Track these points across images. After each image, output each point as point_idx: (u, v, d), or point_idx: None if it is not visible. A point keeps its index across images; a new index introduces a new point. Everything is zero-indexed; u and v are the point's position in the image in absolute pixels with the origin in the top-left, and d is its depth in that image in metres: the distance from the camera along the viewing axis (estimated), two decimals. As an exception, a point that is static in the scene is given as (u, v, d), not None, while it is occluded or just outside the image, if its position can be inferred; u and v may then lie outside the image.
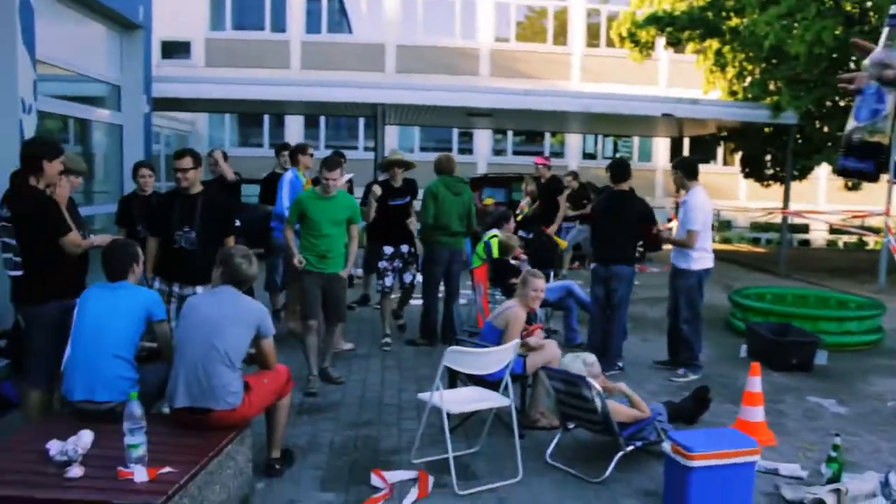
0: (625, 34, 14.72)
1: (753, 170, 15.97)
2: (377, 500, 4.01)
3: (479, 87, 14.77)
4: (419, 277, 7.54)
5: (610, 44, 19.73)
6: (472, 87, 14.73)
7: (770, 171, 15.53)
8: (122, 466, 3.24)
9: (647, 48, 14.92)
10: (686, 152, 20.65)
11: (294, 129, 20.95)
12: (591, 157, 22.61)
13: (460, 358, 4.36)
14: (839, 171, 1.47)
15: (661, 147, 22.01)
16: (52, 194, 4.47)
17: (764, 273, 13.56)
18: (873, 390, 6.47)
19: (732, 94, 15.28)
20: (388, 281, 7.31)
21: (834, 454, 4.34)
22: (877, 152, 1.35)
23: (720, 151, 21.60)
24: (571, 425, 4.76)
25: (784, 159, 13.83)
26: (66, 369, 3.93)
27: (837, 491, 4.02)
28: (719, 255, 15.82)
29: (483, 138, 22.03)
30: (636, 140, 22.43)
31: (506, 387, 4.49)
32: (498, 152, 22.46)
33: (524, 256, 8.08)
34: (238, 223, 6.14)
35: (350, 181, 8.51)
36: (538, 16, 22.38)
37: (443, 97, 12.72)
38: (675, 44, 14.61)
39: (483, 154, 22.04)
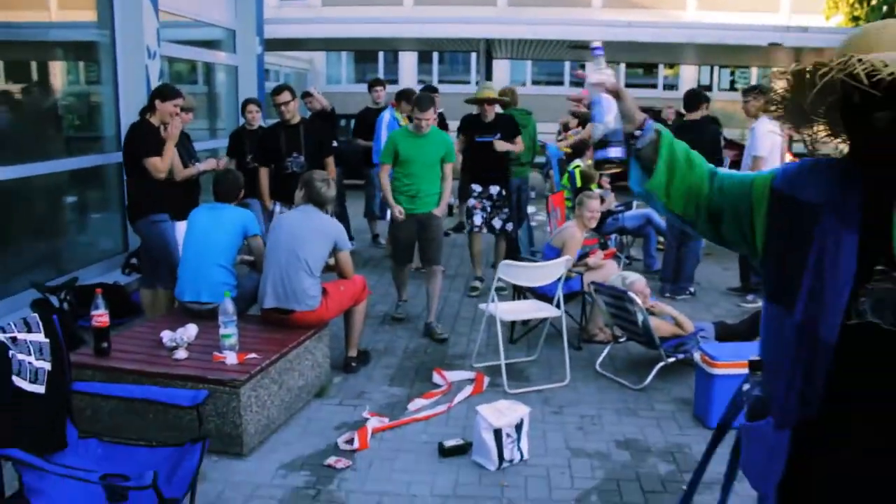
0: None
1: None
2: (435, 394, 4.62)
3: (581, 19, 14.73)
4: (510, 226, 7.07)
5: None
6: (574, 19, 14.70)
7: None
8: (217, 352, 3.98)
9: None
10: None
11: (408, 65, 21.51)
12: (707, 88, 22.00)
13: (513, 271, 4.86)
14: (597, 163, 1.79)
15: (781, 77, 21.16)
16: (164, 128, 5.23)
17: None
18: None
19: (854, 19, 14.57)
20: (477, 219, 6.90)
21: None
22: (613, 142, 1.74)
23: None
24: (622, 338, 5.19)
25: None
26: (179, 275, 4.73)
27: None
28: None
29: (595, 70, 21.83)
30: (754, 71, 21.63)
31: (559, 300, 4.97)
32: (611, 85, 22.21)
33: (608, 186, 8.40)
34: (336, 145, 6.96)
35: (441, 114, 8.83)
36: (654, -58, 21.73)
37: (546, 31, 12.83)
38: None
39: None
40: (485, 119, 6.85)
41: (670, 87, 21.65)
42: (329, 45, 16.60)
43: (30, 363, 2.57)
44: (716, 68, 22.01)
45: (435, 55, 21.55)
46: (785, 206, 1.64)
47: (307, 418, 4.25)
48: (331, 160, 6.35)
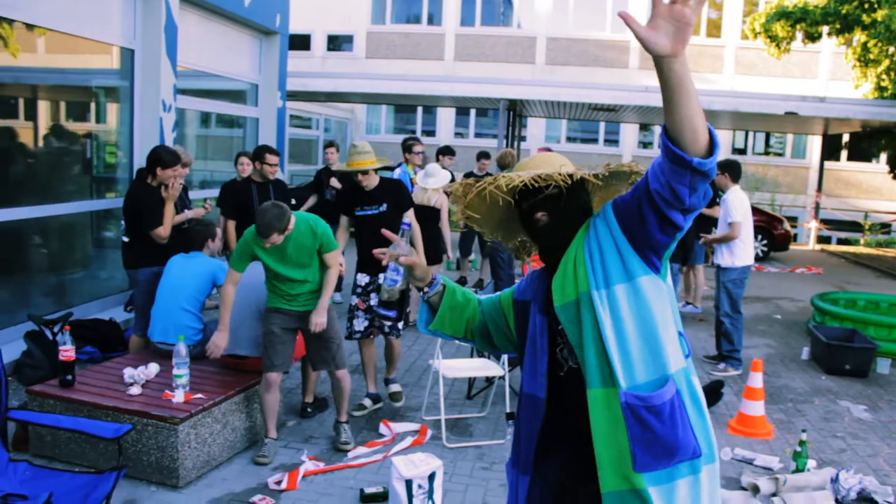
0: (759, 28, 14.46)
1: (901, 170, 15.27)
2: (377, 444, 4.90)
3: (601, 83, 15.07)
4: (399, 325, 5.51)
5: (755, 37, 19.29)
6: (596, 83, 15.06)
7: (920, 174, 14.78)
8: (168, 390, 4.35)
9: (783, 42, 14.54)
10: (844, 151, 19.79)
11: (446, 118, 22.13)
12: (741, 151, 22.10)
13: (451, 370, 5.20)
14: (378, 316, 2.47)
15: (814, 144, 21.16)
16: (165, 188, 5.56)
17: (894, 279, 13.09)
18: (917, 401, 6.54)
19: (881, 89, 14.63)
20: (358, 324, 5.33)
21: (799, 449, 4.73)
22: (395, 304, 2.30)
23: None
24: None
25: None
26: (151, 316, 5.15)
27: (776, 479, 4.44)
28: (859, 259, 15.39)
29: (630, 131, 22.15)
30: (790, 136, 21.68)
31: (504, 361, 5.24)
32: (645, 145, 22.50)
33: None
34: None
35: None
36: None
37: (567, 93, 13.22)
38: (814, 38, 14.18)
39: (629, 145, 22.17)
40: (365, 186, 5.28)
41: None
42: (368, 99, 17.28)
43: (-38, 392, 2.96)
44: (750, 133, 22.11)
45: (472, 110, 22.15)
46: (519, 310, 2.22)
47: (250, 458, 4.57)
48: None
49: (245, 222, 6.55)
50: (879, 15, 13.24)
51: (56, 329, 5.91)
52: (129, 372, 4.55)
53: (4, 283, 6.37)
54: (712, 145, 1.72)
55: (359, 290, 5.38)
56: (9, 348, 5.66)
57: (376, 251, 2.28)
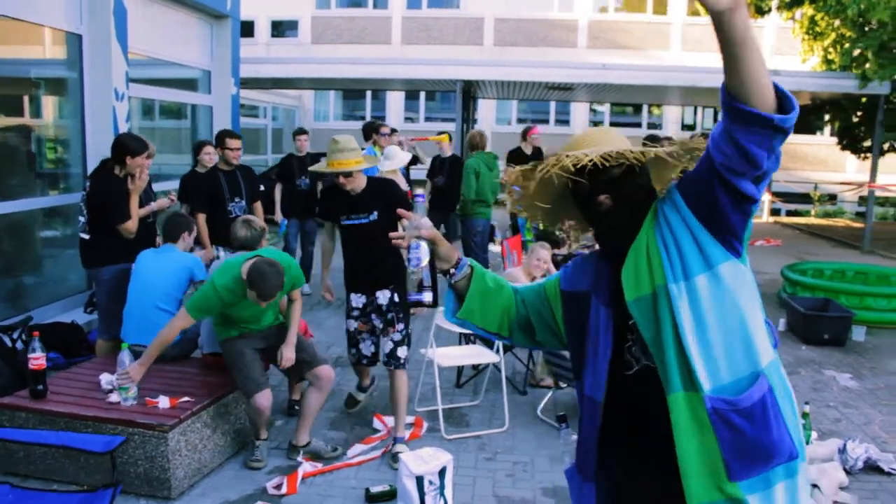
0: (712, 3, 14.44)
1: (850, 142, 15.51)
2: (374, 440, 4.68)
3: (560, 62, 14.98)
4: (404, 351, 4.60)
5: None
6: (553, 62, 14.96)
7: (867, 144, 15.05)
8: (151, 396, 4.05)
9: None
10: (790, 124, 20.08)
11: (395, 103, 21.79)
12: (691, 127, 22.31)
13: (446, 357, 5.00)
14: (409, 305, 2.11)
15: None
16: (131, 180, 5.19)
17: (850, 248, 13.31)
18: (896, 367, 6.59)
19: (828, 62, 14.83)
20: (366, 348, 4.67)
21: (803, 421, 4.66)
22: (427, 286, 1.99)
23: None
24: (564, 384, 5.27)
25: (873, 131, 13.43)
26: (123, 317, 4.81)
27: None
28: (812, 230, 15.66)
29: (580, 110, 22.15)
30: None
31: (498, 346, 5.05)
32: (595, 124, 22.53)
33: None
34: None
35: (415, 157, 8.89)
36: (638, -15, 22.18)
37: (521, 73, 13.06)
38: (763, 12, 14.28)
39: (580, 124, 22.16)
40: (351, 190, 4.41)
41: (654, 126, 21.91)
42: (316, 84, 16.86)
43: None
44: (699, 108, 22.33)
45: (422, 93, 21.86)
46: (570, 301, 2.00)
47: (242, 462, 4.31)
48: (258, 205, 6.73)
49: (215, 214, 6.25)
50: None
51: (15, 335, 5.53)
52: (106, 378, 4.23)
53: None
54: (781, 100, 1.57)
55: (355, 312, 4.59)
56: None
57: (394, 238, 2.01)
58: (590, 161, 1.77)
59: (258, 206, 6.70)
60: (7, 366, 5.11)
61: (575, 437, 2.25)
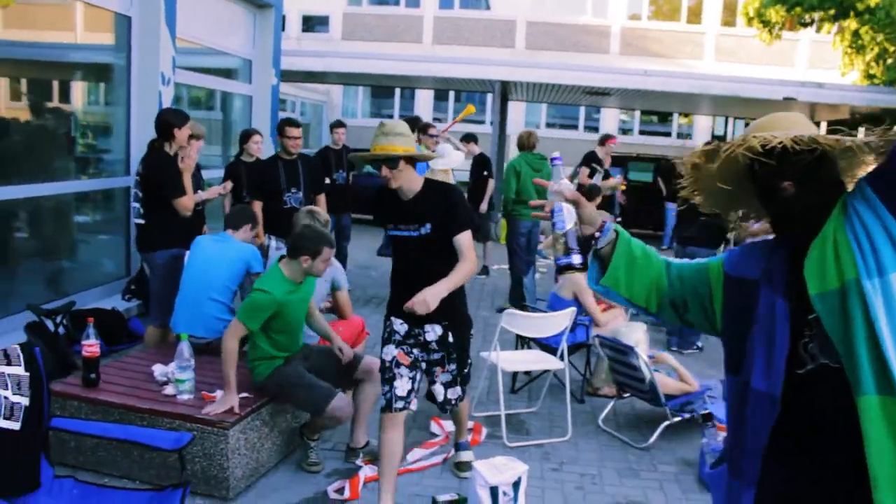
0: (752, 14, 14.24)
1: (889, 158, 15.22)
2: (433, 445, 4.47)
3: (602, 66, 14.77)
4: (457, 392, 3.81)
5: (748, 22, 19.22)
6: (593, 66, 14.74)
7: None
8: (207, 390, 3.85)
9: (776, 28, 14.35)
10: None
11: (424, 102, 21.61)
12: (721, 139, 21.95)
13: (517, 321, 4.74)
14: (560, 269, 1.93)
15: (795, 131, 21.09)
16: (181, 159, 5.13)
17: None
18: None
19: (870, 77, 14.56)
20: (401, 387, 3.56)
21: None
22: (573, 249, 1.88)
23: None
24: (627, 394, 5.04)
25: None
26: (175, 306, 4.62)
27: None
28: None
29: (610, 116, 21.91)
30: (770, 124, 21.59)
31: (562, 352, 4.83)
32: (625, 131, 22.29)
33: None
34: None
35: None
36: (673, -7, 21.93)
37: (561, 76, 12.84)
38: (806, 24, 14.03)
39: (609, 132, 21.85)
40: (401, 195, 3.53)
41: (685, 136, 21.65)
42: (347, 79, 16.69)
43: (6, 398, 2.45)
44: (730, 119, 22.03)
45: (451, 93, 21.68)
46: (734, 286, 1.86)
47: (298, 462, 4.10)
48: (322, 197, 6.34)
49: (270, 204, 6.05)
50: (873, 1, 13.13)
51: (59, 320, 5.35)
52: (160, 369, 4.04)
53: (-6, 270, 5.75)
54: None
55: (396, 337, 3.59)
56: (8, 340, 5.08)
57: (534, 206, 1.92)
58: (779, 143, 1.63)
59: (321, 198, 6.32)
60: (52, 352, 4.92)
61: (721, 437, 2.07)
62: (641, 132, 22.17)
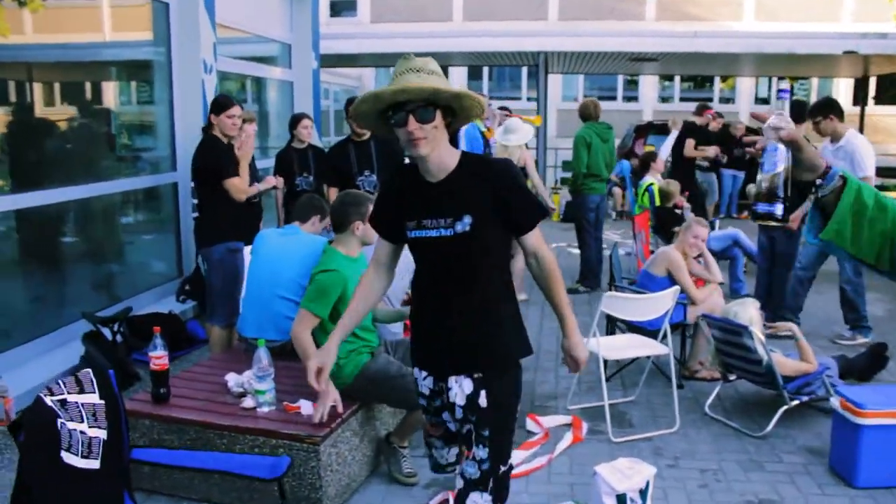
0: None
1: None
2: (534, 444, 4.07)
3: (645, 30, 14.18)
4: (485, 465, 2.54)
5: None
6: (636, 31, 14.15)
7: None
8: (289, 400, 3.48)
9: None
10: (873, 93, 18.94)
11: (457, 81, 21.10)
12: (765, 101, 21.22)
13: (619, 304, 4.31)
14: (753, 216, 1.70)
15: (842, 88, 20.22)
16: (237, 147, 4.81)
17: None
18: None
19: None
20: (440, 455, 2.83)
21: None
22: (779, 197, 1.63)
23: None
24: (732, 377, 4.59)
25: None
26: (242, 308, 4.27)
27: None
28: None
29: (649, 85, 21.24)
30: (815, 81, 20.77)
31: (664, 335, 4.40)
32: (665, 99, 21.62)
33: (687, 204, 7.83)
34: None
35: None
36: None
37: (606, 43, 12.30)
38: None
39: (649, 101, 21.28)
40: (427, 175, 2.35)
41: (727, 100, 20.91)
42: (380, 60, 16.26)
43: (82, 433, 2.10)
44: (774, 79, 21.22)
45: (485, 70, 21.15)
46: None
47: (386, 474, 3.72)
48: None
49: (343, 189, 5.68)
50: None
51: (116, 328, 5.04)
52: (234, 379, 3.68)
53: (44, 276, 5.44)
54: None
55: (422, 400, 2.60)
56: (65, 353, 4.79)
57: (746, 141, 1.65)
58: None
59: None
60: (110, 363, 4.61)
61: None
62: (682, 99, 21.45)
